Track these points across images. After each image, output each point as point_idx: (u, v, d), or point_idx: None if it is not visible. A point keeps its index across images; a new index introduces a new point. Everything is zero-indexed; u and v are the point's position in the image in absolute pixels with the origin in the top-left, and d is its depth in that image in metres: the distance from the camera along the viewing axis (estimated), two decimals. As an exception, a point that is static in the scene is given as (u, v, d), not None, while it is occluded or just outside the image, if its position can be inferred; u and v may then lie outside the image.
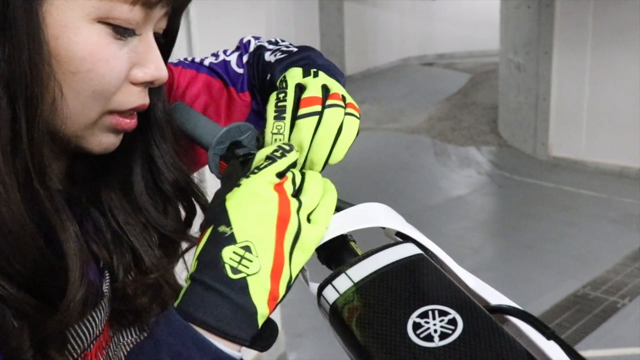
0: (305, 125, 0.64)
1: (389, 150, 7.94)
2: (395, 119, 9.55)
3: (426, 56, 14.52)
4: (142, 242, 0.72)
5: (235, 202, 0.55)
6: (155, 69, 0.63)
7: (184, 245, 0.78)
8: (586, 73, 6.61)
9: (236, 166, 0.64)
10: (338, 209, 0.60)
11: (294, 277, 0.55)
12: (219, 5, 2.53)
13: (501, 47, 8.27)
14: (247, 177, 0.57)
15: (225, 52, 0.92)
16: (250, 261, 0.52)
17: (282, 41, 0.90)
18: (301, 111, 0.65)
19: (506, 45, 7.98)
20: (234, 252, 0.52)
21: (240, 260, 0.52)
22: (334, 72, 0.75)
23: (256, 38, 0.92)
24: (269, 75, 0.79)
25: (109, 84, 0.59)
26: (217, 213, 0.55)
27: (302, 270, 0.58)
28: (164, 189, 0.74)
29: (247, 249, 0.52)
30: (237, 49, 0.92)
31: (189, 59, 0.92)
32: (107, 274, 0.71)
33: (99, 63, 0.58)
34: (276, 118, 0.65)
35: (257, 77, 0.85)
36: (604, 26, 6.37)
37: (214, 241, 0.54)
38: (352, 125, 0.66)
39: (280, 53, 0.81)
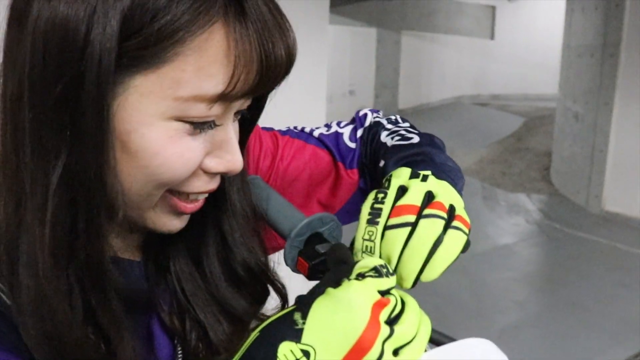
0: (394, 237, 0.57)
1: (436, 189, 7.83)
2: (445, 158, 9.44)
3: (480, 96, 14.41)
4: (209, 317, 0.68)
5: (324, 300, 0.50)
6: (230, 160, 0.59)
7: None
8: (646, 127, 6.45)
9: (346, 253, 0.58)
10: (434, 341, 0.53)
11: None
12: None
13: (560, 94, 8.14)
14: (349, 279, 0.51)
15: (339, 123, 0.88)
16: None
17: (404, 121, 0.85)
18: (392, 221, 0.58)
19: (565, 92, 7.85)
20: (291, 351, 0.48)
21: None
22: (451, 174, 0.68)
23: (373, 111, 0.88)
24: (382, 162, 0.73)
25: (179, 177, 0.56)
26: (306, 298, 0.51)
27: None
28: (234, 267, 0.69)
29: (306, 354, 0.48)
30: (352, 121, 0.88)
31: (299, 127, 0.88)
32: (180, 350, 0.68)
33: (172, 157, 0.54)
34: (369, 222, 0.59)
35: (368, 157, 0.80)
36: (669, 81, 6.21)
37: (282, 324, 0.50)
38: (455, 241, 0.58)
39: (398, 137, 0.75)
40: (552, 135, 8.50)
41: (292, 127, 0.88)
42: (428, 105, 13.32)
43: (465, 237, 0.59)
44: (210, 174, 0.60)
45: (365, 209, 0.60)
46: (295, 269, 0.67)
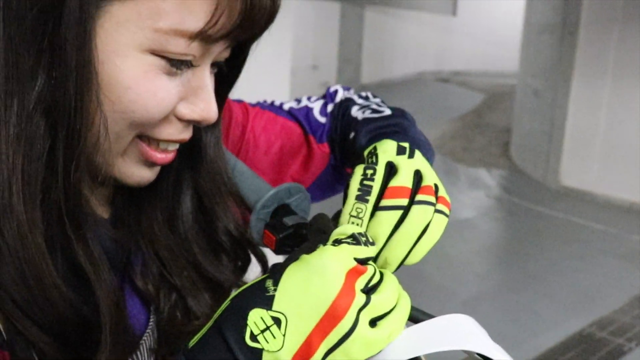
0: (386, 219, 0.56)
1: (399, 164, 7.86)
2: (407, 133, 9.48)
3: (442, 72, 14.48)
4: (187, 284, 0.66)
5: (297, 266, 0.48)
6: (204, 108, 0.57)
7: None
8: (603, 103, 6.56)
9: (327, 224, 0.56)
10: (413, 319, 0.52)
11: None
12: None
13: (520, 70, 8.22)
14: (325, 244, 0.50)
15: (309, 98, 0.85)
16: (274, 337, 0.45)
17: (374, 97, 0.83)
18: (385, 202, 0.57)
19: (525, 69, 7.93)
20: (261, 318, 0.46)
21: (265, 330, 0.46)
22: (425, 149, 0.67)
23: (345, 88, 0.86)
24: (352, 134, 0.72)
25: (152, 117, 0.54)
26: (280, 266, 0.49)
27: None
28: (212, 231, 0.67)
29: (277, 322, 0.46)
30: (323, 97, 0.86)
31: (268, 101, 0.86)
32: (153, 312, 0.65)
33: (145, 94, 0.52)
34: (358, 198, 0.57)
35: (339, 131, 0.79)
36: (625, 58, 6.32)
37: (254, 291, 0.48)
38: (438, 226, 0.58)
39: (370, 111, 0.74)
40: (512, 111, 8.58)
41: (261, 101, 0.87)
42: (390, 80, 13.33)
43: (446, 220, 0.59)
44: (184, 122, 0.58)
45: (354, 184, 0.58)
46: (262, 242, 0.64)
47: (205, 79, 0.57)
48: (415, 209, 0.57)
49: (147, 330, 0.64)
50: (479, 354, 0.50)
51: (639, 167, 6.33)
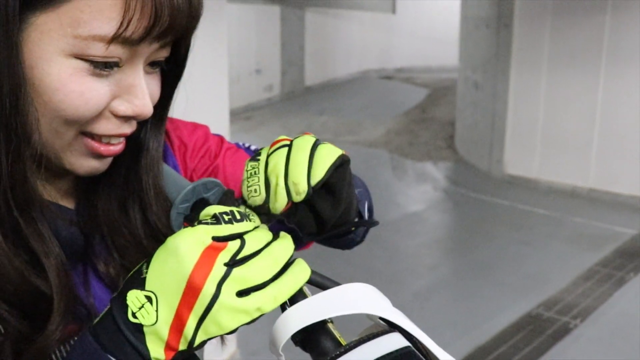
0: (276, 156, 0.63)
1: (347, 163, 7.91)
2: (353, 132, 9.58)
3: (385, 69, 14.65)
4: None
5: (161, 249, 0.54)
6: (138, 104, 0.63)
7: None
8: (541, 93, 6.75)
9: (231, 201, 0.63)
10: (318, 285, 0.56)
11: (198, 341, 0.52)
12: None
13: (460, 65, 8.38)
14: (185, 227, 0.55)
15: None
16: (148, 313, 0.52)
17: None
18: (271, 150, 0.64)
19: (465, 63, 8.10)
20: (137, 298, 0.52)
21: (141, 307, 0.52)
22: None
23: None
24: None
25: (82, 115, 0.60)
26: (155, 250, 0.55)
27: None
28: (152, 219, 0.73)
29: (149, 299, 0.52)
30: None
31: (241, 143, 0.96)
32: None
33: (71, 94, 0.58)
34: (251, 160, 0.64)
35: None
36: (559, 48, 6.52)
37: (134, 275, 0.54)
38: (326, 147, 0.64)
39: None
40: (455, 104, 8.76)
41: (239, 143, 0.95)
42: (335, 80, 13.42)
43: (335, 147, 0.65)
44: (121, 118, 0.64)
45: (247, 163, 0.65)
46: None
47: (136, 77, 0.62)
48: (295, 140, 0.65)
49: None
50: (381, 318, 0.54)
51: (579, 152, 6.53)
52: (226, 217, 0.55)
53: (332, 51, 13.41)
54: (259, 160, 0.63)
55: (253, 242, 0.55)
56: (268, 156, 0.63)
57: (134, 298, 0.52)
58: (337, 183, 0.66)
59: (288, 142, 0.64)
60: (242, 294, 0.52)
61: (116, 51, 0.58)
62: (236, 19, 11.03)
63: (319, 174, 0.62)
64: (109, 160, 0.68)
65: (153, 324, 0.51)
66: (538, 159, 6.92)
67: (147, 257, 0.69)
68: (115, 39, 0.57)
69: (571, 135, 6.57)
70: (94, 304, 0.69)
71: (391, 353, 0.49)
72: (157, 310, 0.51)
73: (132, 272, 0.55)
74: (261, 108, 11.75)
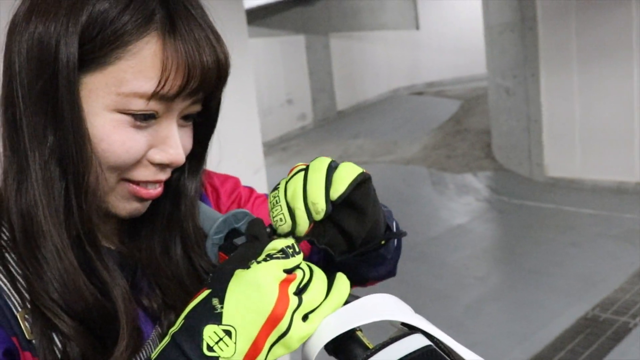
0: (294, 179, 0.68)
1: (386, 182, 7.93)
2: (390, 151, 9.58)
3: (415, 85, 14.64)
4: (181, 306, 0.75)
5: (236, 284, 0.58)
6: (172, 153, 0.70)
7: None
8: (574, 91, 6.66)
9: (260, 230, 0.67)
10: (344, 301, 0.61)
11: None
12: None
13: (489, 72, 8.34)
14: (258, 262, 0.59)
15: None
16: (227, 345, 0.55)
17: None
18: (289, 177, 0.69)
19: (493, 70, 8.05)
20: (215, 332, 0.55)
21: (218, 341, 0.55)
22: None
23: None
24: None
25: (124, 162, 0.68)
26: (220, 281, 0.59)
27: None
28: (194, 263, 0.79)
29: (228, 333, 0.56)
30: None
31: None
32: (157, 326, 0.77)
33: (114, 144, 0.66)
34: (273, 190, 0.69)
35: None
36: (587, 44, 6.44)
37: (203, 310, 0.57)
38: (346, 165, 0.68)
39: None
40: (489, 113, 8.70)
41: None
42: (366, 102, 13.46)
43: (355, 165, 0.68)
44: (157, 166, 0.71)
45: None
46: (218, 263, 0.74)
47: (171, 130, 0.70)
48: (311, 163, 0.69)
49: (148, 340, 0.74)
50: (403, 324, 0.58)
51: (621, 146, 6.41)
52: (290, 251, 0.61)
53: (360, 74, 13.47)
54: (278, 188, 0.69)
55: (306, 269, 0.61)
56: (287, 183, 0.68)
57: (211, 333, 0.55)
58: (361, 200, 0.69)
59: (304, 167, 0.69)
60: (304, 317, 0.59)
61: (154, 106, 0.66)
62: (262, 52, 11.20)
63: (339, 189, 0.66)
64: (148, 203, 0.75)
65: (230, 357, 0.55)
66: (579, 158, 6.81)
67: (188, 294, 0.75)
68: (154, 95, 0.65)
69: (611, 129, 6.46)
70: (140, 327, 0.74)
71: (414, 352, 0.54)
72: (235, 343, 0.55)
73: (193, 305, 0.59)
74: (296, 137, 11.87)
